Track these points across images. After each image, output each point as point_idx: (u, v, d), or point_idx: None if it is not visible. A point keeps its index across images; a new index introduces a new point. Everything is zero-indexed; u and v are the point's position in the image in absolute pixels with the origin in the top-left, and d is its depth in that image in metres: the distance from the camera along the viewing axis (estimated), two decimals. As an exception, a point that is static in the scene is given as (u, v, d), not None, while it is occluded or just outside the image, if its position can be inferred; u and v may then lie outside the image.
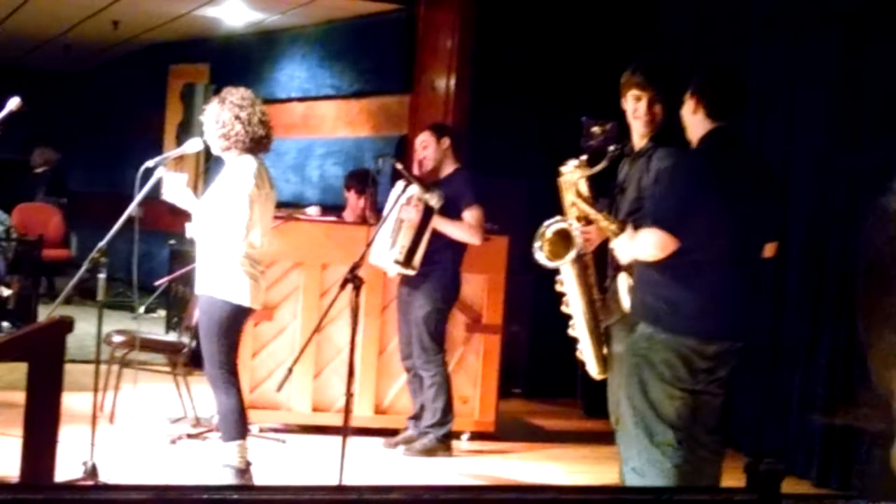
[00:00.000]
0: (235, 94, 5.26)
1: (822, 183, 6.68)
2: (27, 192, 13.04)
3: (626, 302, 4.55)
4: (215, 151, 5.31)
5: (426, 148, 6.55)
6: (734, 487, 2.18)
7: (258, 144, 5.24)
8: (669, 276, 4.13)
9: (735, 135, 4.32)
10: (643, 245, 4.16)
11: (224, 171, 5.25)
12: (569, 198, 4.66)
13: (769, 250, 4.43)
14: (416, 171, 6.50)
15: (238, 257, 5.12)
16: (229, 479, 5.12)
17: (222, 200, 5.13)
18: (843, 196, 6.52)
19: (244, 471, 5.20)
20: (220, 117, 5.19)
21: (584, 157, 4.65)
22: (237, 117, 5.17)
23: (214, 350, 5.16)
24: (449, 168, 6.55)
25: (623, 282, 4.55)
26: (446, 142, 6.55)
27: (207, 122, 5.25)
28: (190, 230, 5.30)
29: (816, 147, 6.74)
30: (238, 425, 5.21)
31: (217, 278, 5.14)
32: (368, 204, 7.65)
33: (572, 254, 4.59)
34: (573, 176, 4.63)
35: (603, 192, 4.75)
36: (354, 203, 7.78)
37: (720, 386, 4.27)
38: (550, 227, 4.66)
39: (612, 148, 4.66)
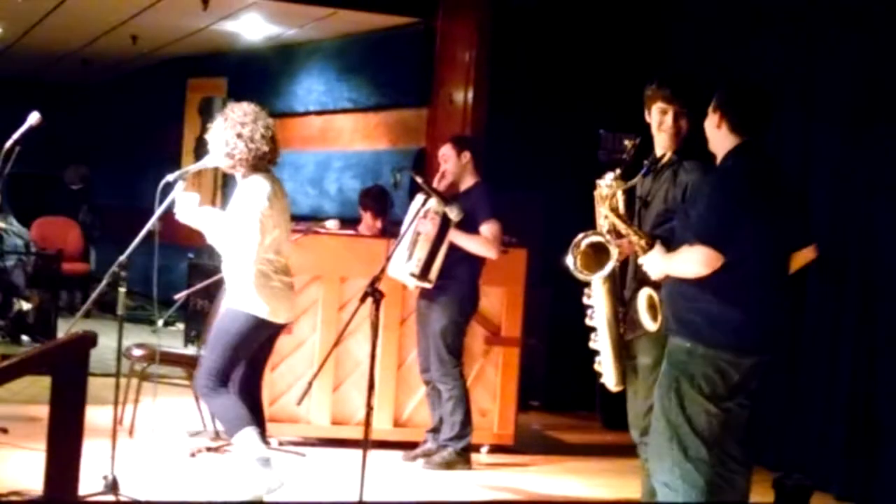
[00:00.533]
0: (237, 111, 5.18)
1: (841, 191, 6.67)
2: (66, 208, 13.09)
3: (645, 320, 4.54)
4: (225, 170, 5.28)
5: (447, 161, 6.55)
6: (764, 503, 2.17)
7: (262, 160, 5.17)
8: (709, 290, 4.12)
9: (761, 149, 4.32)
10: (687, 262, 4.14)
11: (237, 192, 5.20)
12: (602, 211, 4.65)
13: (808, 253, 4.38)
14: (436, 183, 6.50)
15: (264, 272, 5.11)
16: (258, 472, 5.01)
17: (235, 222, 5.08)
18: (862, 204, 6.51)
19: (266, 459, 5.06)
20: (224, 136, 5.13)
21: (619, 171, 4.65)
22: (239, 135, 5.10)
23: (216, 358, 5.11)
24: (469, 181, 6.54)
25: (643, 299, 4.54)
26: (467, 156, 6.54)
27: (213, 141, 5.20)
28: (180, 214, 5.16)
29: (834, 154, 6.72)
30: (236, 420, 5.07)
31: (239, 292, 5.14)
32: (384, 227, 7.62)
33: (609, 267, 4.57)
34: (609, 189, 4.62)
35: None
36: (371, 223, 7.74)
37: (748, 398, 4.26)
38: (585, 239, 4.64)
39: (646, 161, 4.66)
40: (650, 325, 4.54)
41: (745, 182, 4.18)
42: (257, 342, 5.22)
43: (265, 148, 5.15)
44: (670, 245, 4.32)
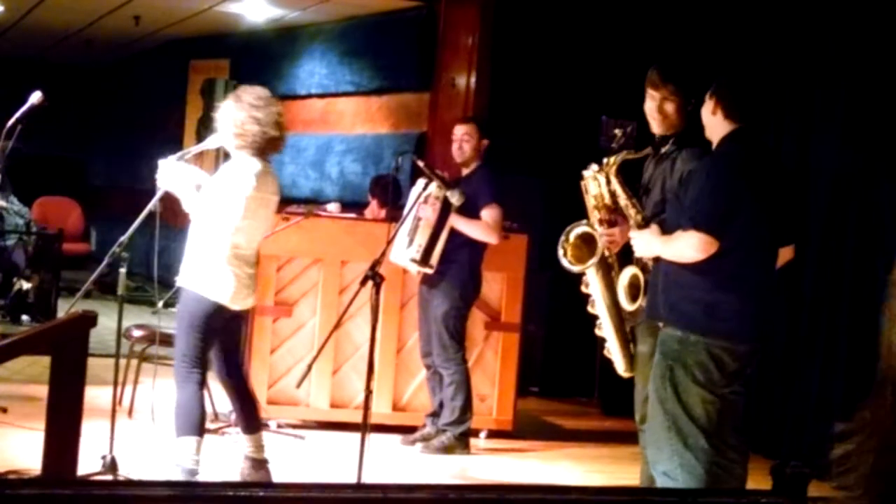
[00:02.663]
0: (251, 94, 5.13)
1: (839, 181, 6.66)
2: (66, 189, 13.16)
3: (621, 298, 4.56)
4: (229, 150, 5.18)
5: (468, 141, 6.49)
6: (760, 490, 2.18)
7: (269, 145, 5.12)
8: (705, 278, 4.13)
9: (756, 137, 4.33)
10: (682, 247, 4.14)
11: (226, 168, 5.12)
12: (591, 201, 4.65)
13: (788, 253, 4.41)
14: (441, 169, 6.48)
15: (224, 256, 5.00)
16: (179, 478, 4.95)
17: (217, 196, 5.01)
18: (860, 194, 6.50)
19: (193, 472, 5.01)
20: (236, 117, 5.08)
21: (606, 161, 4.66)
22: (253, 117, 5.05)
23: (182, 341, 5.07)
24: (471, 165, 6.53)
25: (626, 277, 4.54)
26: (485, 143, 6.51)
27: (222, 121, 5.13)
28: (160, 180, 5.05)
29: (833, 145, 6.72)
30: (187, 422, 5.02)
31: (201, 273, 5.03)
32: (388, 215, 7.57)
33: (594, 260, 4.58)
34: (598, 177, 4.63)
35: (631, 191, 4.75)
36: (377, 211, 7.69)
37: (742, 385, 4.28)
38: (573, 230, 4.65)
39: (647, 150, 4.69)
40: (626, 304, 4.56)
41: (738, 167, 4.20)
42: (216, 326, 5.09)
43: (275, 133, 5.09)
44: (664, 231, 4.33)
